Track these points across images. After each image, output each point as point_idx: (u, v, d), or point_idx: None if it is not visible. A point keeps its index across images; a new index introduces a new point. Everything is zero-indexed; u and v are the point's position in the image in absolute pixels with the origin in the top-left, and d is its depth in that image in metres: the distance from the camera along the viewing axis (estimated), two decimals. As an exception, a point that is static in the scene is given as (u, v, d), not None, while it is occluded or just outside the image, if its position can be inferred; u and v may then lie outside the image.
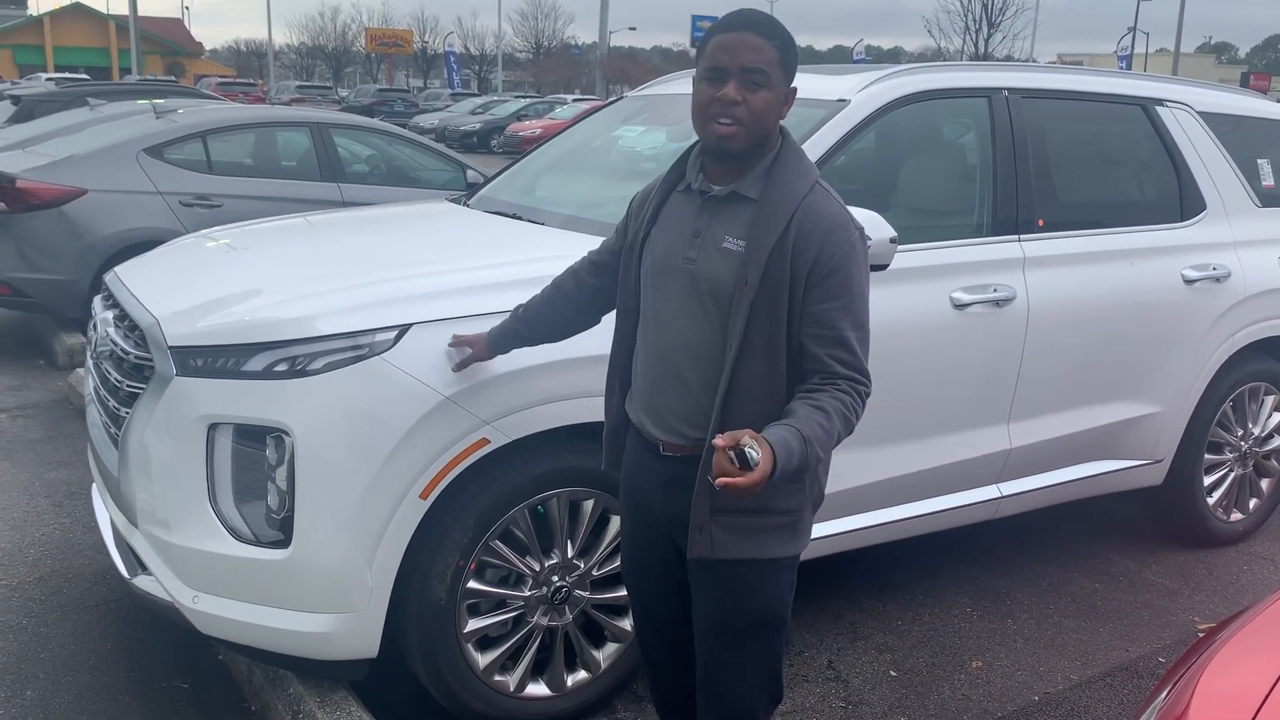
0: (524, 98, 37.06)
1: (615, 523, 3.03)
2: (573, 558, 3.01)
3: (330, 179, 7.61)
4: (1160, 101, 4.27)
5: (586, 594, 3.05)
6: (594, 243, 2.85)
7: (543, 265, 2.95)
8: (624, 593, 3.01)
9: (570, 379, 2.85)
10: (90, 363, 3.46)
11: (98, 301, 3.50)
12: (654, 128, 4.26)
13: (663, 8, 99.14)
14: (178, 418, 2.77)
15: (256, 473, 2.72)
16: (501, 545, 2.88)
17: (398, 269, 3.06)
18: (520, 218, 3.76)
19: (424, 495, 2.72)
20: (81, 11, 65.35)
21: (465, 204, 4.25)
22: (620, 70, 55.17)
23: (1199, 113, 4.38)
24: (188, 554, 2.77)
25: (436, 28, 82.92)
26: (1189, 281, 4.10)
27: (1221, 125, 4.45)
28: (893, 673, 3.47)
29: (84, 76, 33.98)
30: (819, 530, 3.38)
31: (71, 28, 63.81)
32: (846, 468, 3.30)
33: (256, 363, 2.72)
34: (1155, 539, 4.61)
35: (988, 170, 3.76)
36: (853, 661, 3.53)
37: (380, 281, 2.93)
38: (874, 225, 2.96)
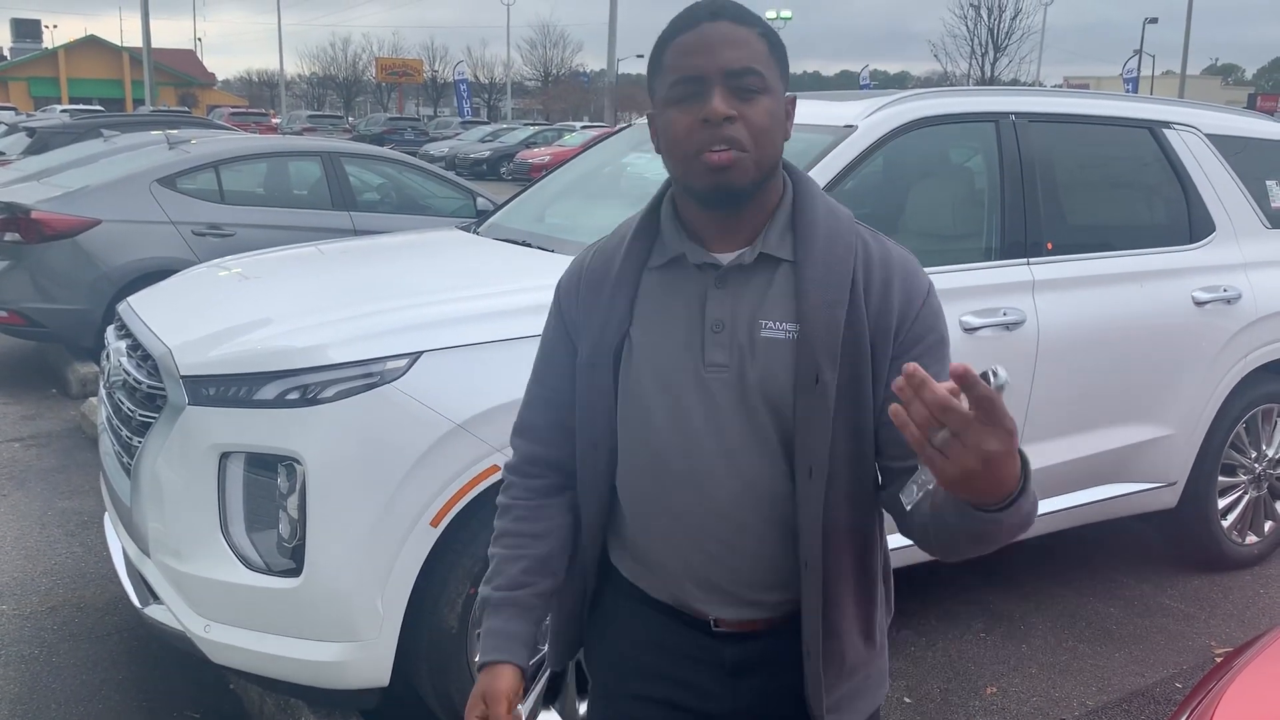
0: (532, 125, 37.30)
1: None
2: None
3: (341, 208, 7.66)
4: (1167, 124, 4.28)
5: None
6: None
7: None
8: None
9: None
10: (103, 392, 3.48)
11: (111, 332, 3.53)
12: (662, 154, 4.28)
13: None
14: (190, 447, 2.78)
15: (268, 501, 2.73)
16: (513, 572, 2.87)
17: (408, 297, 3.08)
18: (530, 245, 3.78)
19: (435, 523, 2.72)
20: (96, 44, 66.15)
21: (475, 232, 4.28)
22: (629, 97, 55.50)
23: (1206, 134, 4.39)
24: (199, 583, 2.77)
25: (446, 57, 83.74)
26: (1199, 303, 4.09)
27: (1229, 147, 4.45)
28: (907, 699, 3.44)
29: (98, 108, 34.31)
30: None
31: (86, 60, 64.60)
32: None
33: (268, 391, 2.73)
34: (1170, 563, 4.58)
35: (996, 194, 3.77)
36: (921, 682, 3.50)
37: (391, 310, 2.95)
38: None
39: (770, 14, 57.55)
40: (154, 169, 7.16)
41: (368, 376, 2.72)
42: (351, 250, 4.11)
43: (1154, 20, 54.88)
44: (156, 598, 2.91)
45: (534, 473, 1.71)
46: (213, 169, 7.34)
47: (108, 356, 3.36)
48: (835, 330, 1.44)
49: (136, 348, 3.16)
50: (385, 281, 3.44)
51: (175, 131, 8.99)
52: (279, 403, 2.71)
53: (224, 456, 2.73)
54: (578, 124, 34.95)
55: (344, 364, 2.72)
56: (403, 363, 2.74)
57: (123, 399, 3.11)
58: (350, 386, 2.70)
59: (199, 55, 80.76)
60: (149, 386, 2.96)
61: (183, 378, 2.82)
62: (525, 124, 39.33)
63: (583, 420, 1.61)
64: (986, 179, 3.82)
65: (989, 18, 55.47)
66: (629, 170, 4.33)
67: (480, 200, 8.09)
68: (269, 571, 2.73)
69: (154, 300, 3.52)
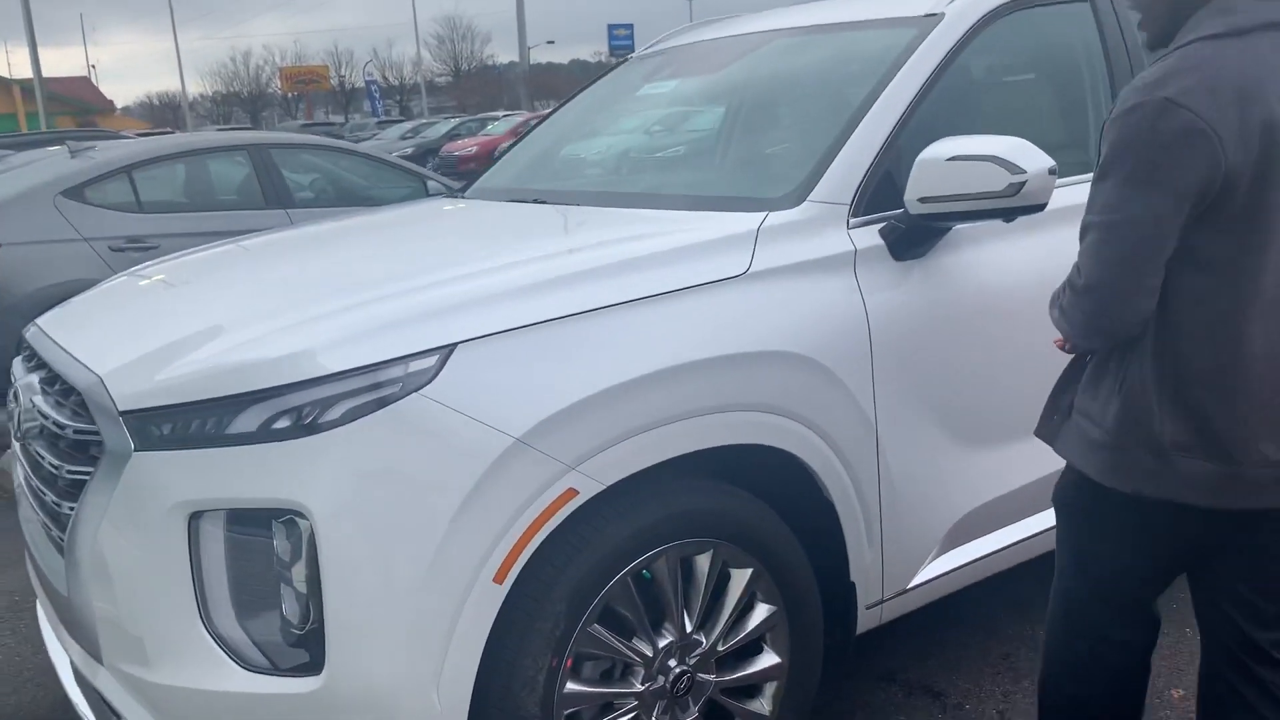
0: (454, 118, 36.09)
1: (737, 578, 2.31)
2: (692, 632, 2.27)
3: (276, 205, 6.79)
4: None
5: (712, 677, 2.31)
6: (651, 218, 2.16)
7: (606, 251, 2.26)
8: (760, 668, 2.31)
9: (679, 393, 2.12)
10: (16, 445, 2.66)
11: (18, 364, 2.71)
12: (686, 79, 3.54)
13: (577, 20, 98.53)
14: (144, 508, 1.99)
15: (264, 573, 1.95)
16: (602, 629, 2.13)
17: (407, 280, 2.30)
18: (545, 201, 3.02)
19: (499, 578, 1.97)
20: (-19, 78, 63.24)
21: (462, 196, 3.51)
22: (544, 85, 54.58)
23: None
24: (178, 696, 1.99)
25: (352, 61, 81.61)
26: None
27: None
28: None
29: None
30: (973, 550, 2.69)
31: (-28, 96, 61.68)
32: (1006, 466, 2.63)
33: (246, 421, 1.95)
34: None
35: (1103, 87, 3.09)
36: (1027, 709, 2.82)
37: (399, 294, 2.18)
38: (1026, 154, 2.29)
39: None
40: (57, 180, 6.23)
41: (383, 386, 1.95)
42: (305, 239, 3.29)
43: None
44: (120, 718, 2.12)
45: None
46: (125, 175, 6.43)
47: (15, 397, 2.53)
48: None
49: (53, 381, 2.35)
50: (362, 268, 2.66)
51: (77, 144, 8.01)
52: (264, 435, 1.93)
53: (194, 517, 1.95)
54: (500, 113, 33.84)
55: (347, 372, 1.95)
56: (430, 362, 1.98)
57: (42, 451, 2.30)
58: (361, 403, 1.93)
59: (94, 81, 77.87)
60: (75, 431, 2.16)
61: (122, 414, 2.03)
62: (446, 117, 38.11)
63: (1240, 286, 1.73)
64: (1089, 71, 3.14)
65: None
66: (650, 104, 3.57)
67: (432, 184, 7.27)
68: (275, 671, 1.95)
69: (69, 319, 2.70)
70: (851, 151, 2.53)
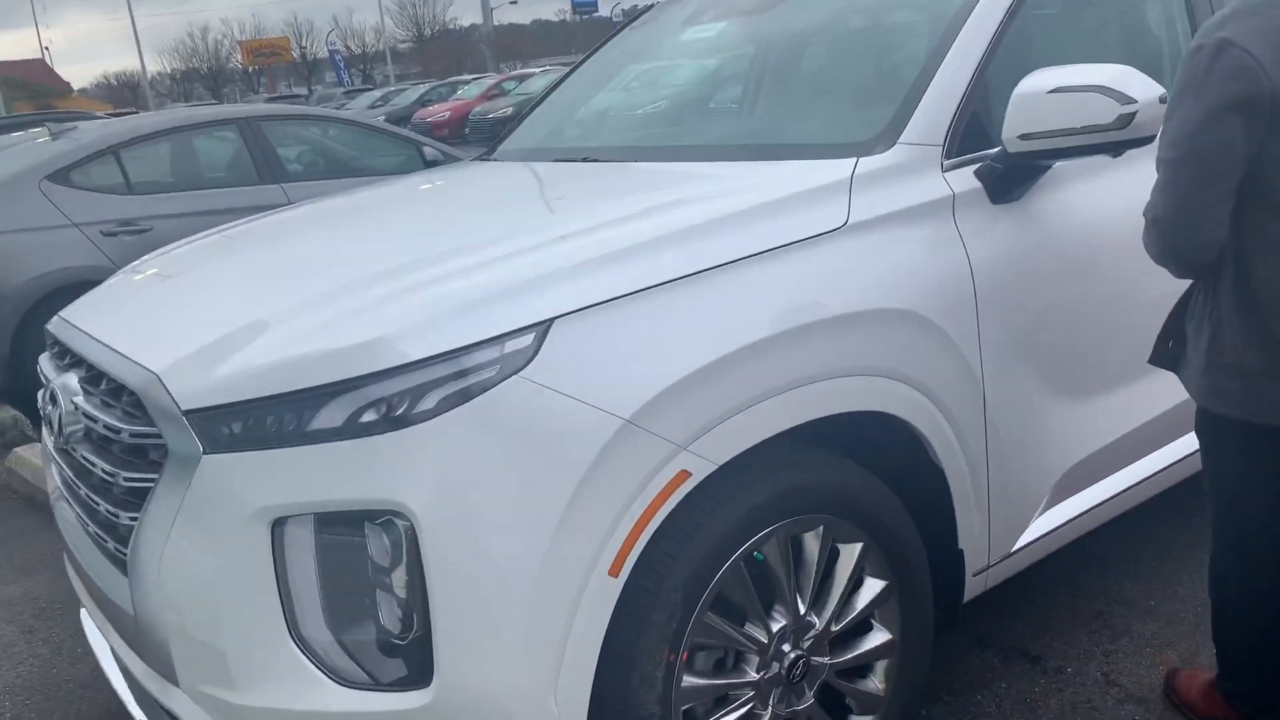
0: (422, 84, 35.47)
1: (846, 554, 2.16)
2: (805, 614, 2.12)
3: (270, 180, 6.54)
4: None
5: (826, 659, 2.17)
6: (727, 172, 2.00)
7: (693, 209, 2.09)
8: (873, 646, 2.17)
9: (788, 361, 1.96)
10: (51, 449, 2.47)
11: (47, 362, 2.51)
12: (734, 19, 3.33)
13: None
14: (219, 516, 1.81)
15: (359, 580, 1.78)
16: (716, 618, 1.98)
17: (476, 252, 2.09)
18: (597, 159, 2.83)
19: (614, 571, 1.80)
20: (-66, 66, 61.81)
21: (490, 159, 3.31)
22: (507, 46, 53.85)
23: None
24: (270, 719, 1.82)
25: (312, 31, 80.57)
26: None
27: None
28: (1188, 675, 2.64)
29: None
30: (1078, 504, 2.56)
31: (-76, 84, 60.30)
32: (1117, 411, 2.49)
33: (330, 415, 1.77)
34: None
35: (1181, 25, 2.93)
36: (1131, 668, 2.69)
37: (466, 272, 1.99)
38: (1135, 82, 2.13)
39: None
40: (41, 164, 5.96)
41: (478, 371, 1.77)
42: (342, 211, 3.09)
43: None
44: (197, 741, 1.95)
45: None
46: (112, 156, 6.16)
47: (51, 398, 2.33)
48: None
49: (97, 380, 2.16)
50: (421, 239, 2.47)
51: (59, 126, 7.71)
52: (352, 430, 1.75)
53: (278, 524, 1.78)
54: (469, 76, 33.28)
55: (437, 357, 1.77)
56: (527, 340, 1.80)
57: (91, 456, 2.11)
58: (456, 390, 1.76)
59: (49, 64, 76.30)
60: (132, 435, 1.97)
61: (186, 414, 1.85)
62: (415, 83, 37.46)
63: None
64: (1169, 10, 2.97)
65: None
66: (698, 49, 3.36)
67: (428, 150, 7.03)
68: (376, 686, 1.79)
69: (100, 311, 2.50)
70: (940, 88, 2.36)
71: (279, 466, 1.77)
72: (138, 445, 1.97)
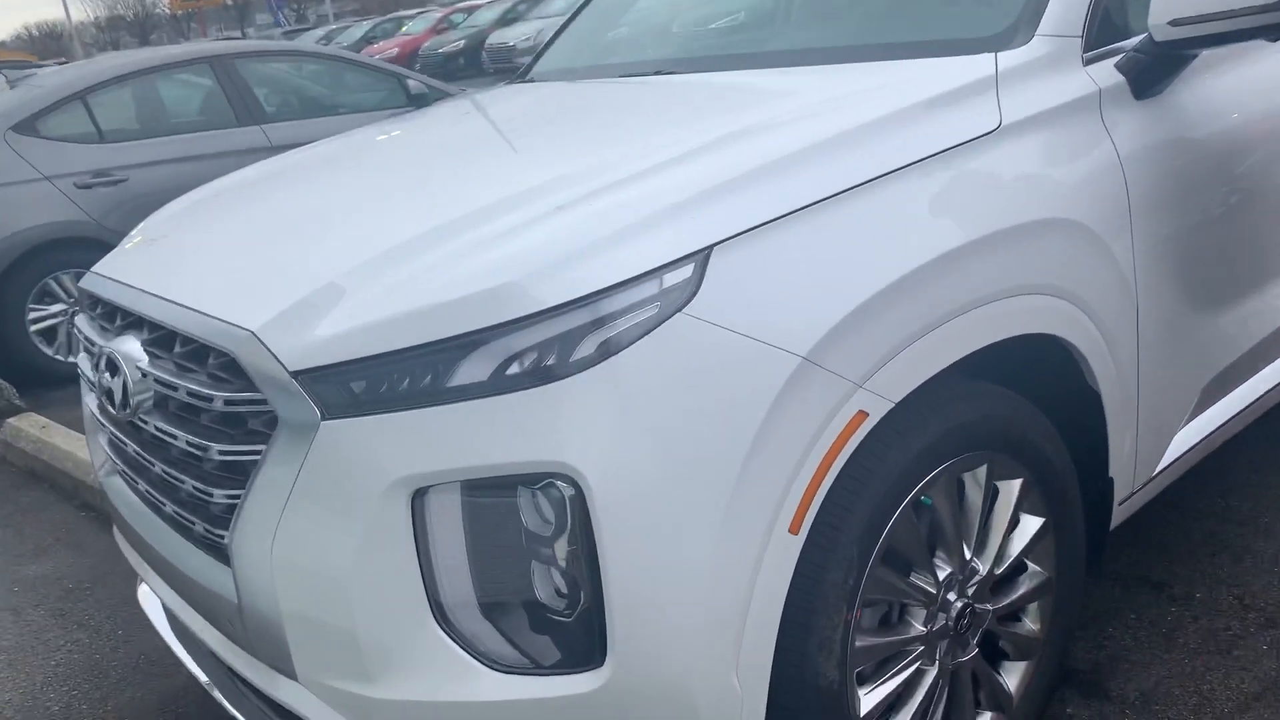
0: (365, 20, 34.36)
1: (1005, 491, 1.98)
2: (970, 559, 1.95)
3: (249, 122, 6.18)
4: None
5: (989, 605, 2.00)
6: (849, 73, 1.84)
7: (830, 119, 1.88)
8: (1032, 586, 2.01)
9: (958, 283, 1.76)
10: (101, 419, 2.22)
11: (87, 325, 2.24)
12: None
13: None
14: (345, 489, 1.59)
15: (515, 553, 1.57)
16: (884, 570, 1.80)
17: (594, 178, 1.82)
18: (672, 72, 2.58)
19: (794, 528, 1.61)
20: None
21: (529, 82, 3.04)
22: (448, -21, 52.42)
23: None
24: (412, 713, 1.62)
25: (241, -29, 77.67)
26: None
27: None
28: None
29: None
30: (1218, 415, 2.42)
31: None
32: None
33: (472, 369, 1.55)
34: None
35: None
36: (1263, 590, 2.56)
37: (590, 197, 1.75)
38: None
39: None
40: (3, 114, 5.57)
41: (637, 309, 1.55)
42: (379, 146, 2.80)
43: None
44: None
45: None
46: (80, 102, 5.76)
47: (103, 366, 2.05)
48: None
49: (168, 342, 1.91)
50: (514, 167, 2.22)
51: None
52: (499, 385, 1.53)
53: (419, 495, 1.55)
54: (414, 11, 32.27)
55: (591, 295, 1.54)
56: (687, 272, 1.58)
57: (169, 428, 1.86)
58: (615, 334, 1.53)
59: (-33, 16, 73.28)
60: (227, 402, 1.73)
61: (296, 375, 1.61)
62: (358, 20, 36.27)
63: None
64: None
65: None
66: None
67: (412, 83, 6.67)
68: (538, 669, 1.59)
69: (149, 266, 2.22)
70: (1074, -30, 2.13)
71: (418, 430, 1.54)
72: (233, 414, 1.73)
